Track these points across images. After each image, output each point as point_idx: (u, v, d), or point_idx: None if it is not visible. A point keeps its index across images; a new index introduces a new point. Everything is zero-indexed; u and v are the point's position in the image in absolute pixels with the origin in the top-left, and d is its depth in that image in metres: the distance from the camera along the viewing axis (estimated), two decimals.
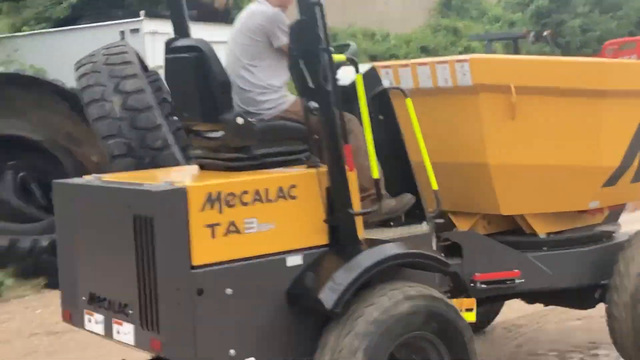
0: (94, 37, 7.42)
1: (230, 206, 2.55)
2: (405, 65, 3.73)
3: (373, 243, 2.91)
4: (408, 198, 3.35)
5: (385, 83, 3.38)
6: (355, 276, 2.65)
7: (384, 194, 3.25)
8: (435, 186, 3.34)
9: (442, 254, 3.27)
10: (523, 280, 3.51)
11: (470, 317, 3.17)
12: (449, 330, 2.78)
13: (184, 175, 3.09)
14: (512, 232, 3.74)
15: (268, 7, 3.14)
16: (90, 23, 7.97)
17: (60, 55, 7.34)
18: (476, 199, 3.65)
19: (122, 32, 7.48)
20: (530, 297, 3.99)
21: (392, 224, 3.30)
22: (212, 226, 2.50)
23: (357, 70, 2.98)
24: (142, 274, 2.48)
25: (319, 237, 2.80)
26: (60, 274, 3.07)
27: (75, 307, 2.97)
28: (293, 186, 2.73)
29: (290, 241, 2.73)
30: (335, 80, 2.79)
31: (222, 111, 2.93)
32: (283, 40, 3.05)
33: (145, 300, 2.47)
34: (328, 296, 2.58)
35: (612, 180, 3.59)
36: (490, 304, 4.05)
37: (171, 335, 2.43)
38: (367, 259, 2.75)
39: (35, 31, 7.76)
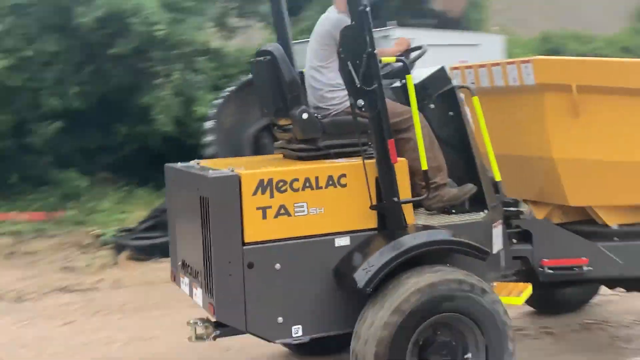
0: None
1: (281, 192, 2.92)
2: (483, 66, 3.95)
3: (421, 228, 3.17)
4: (469, 187, 3.57)
5: (455, 82, 3.62)
6: (387, 260, 2.90)
7: (447, 182, 3.53)
8: (498, 177, 3.60)
9: (497, 241, 3.46)
10: (591, 268, 3.67)
11: (516, 300, 3.34)
12: (477, 312, 2.96)
13: (255, 163, 3.51)
14: (586, 222, 3.85)
15: (334, 14, 3.49)
16: None
17: None
18: (548, 190, 3.82)
19: (384, 37, 8.51)
20: (608, 283, 4.16)
21: (453, 211, 3.51)
22: (263, 209, 2.89)
23: (407, 71, 3.22)
24: (205, 247, 2.94)
25: (368, 221, 3.09)
26: (170, 241, 3.72)
27: (176, 270, 3.60)
28: (343, 175, 3.04)
29: (339, 224, 3.04)
30: (380, 80, 3.02)
31: (290, 107, 3.33)
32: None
33: (207, 269, 2.94)
34: (361, 276, 2.87)
35: None
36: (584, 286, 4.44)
37: (223, 301, 2.86)
38: (402, 244, 2.99)
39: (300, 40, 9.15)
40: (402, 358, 2.85)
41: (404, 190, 3.13)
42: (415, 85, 3.40)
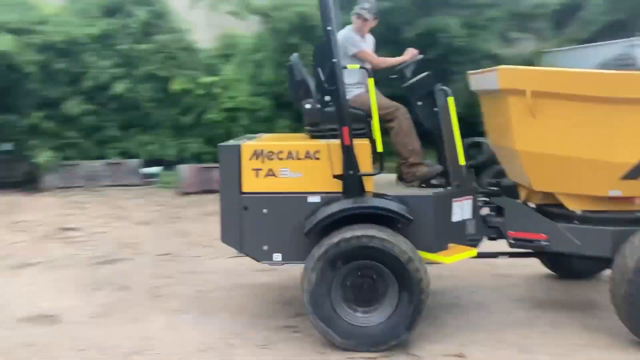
0: (607, 52, 9.91)
1: (270, 159, 4.16)
2: (479, 72, 4.77)
3: (371, 196, 4.17)
4: (437, 168, 4.50)
5: (438, 86, 4.46)
6: (323, 217, 4.00)
7: (421, 162, 4.53)
8: (462, 162, 4.42)
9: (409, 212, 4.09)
10: (549, 244, 4.39)
11: (444, 259, 4.17)
12: (389, 261, 3.90)
13: (271, 139, 4.84)
14: (557, 205, 4.47)
15: (346, 30, 4.74)
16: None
17: (579, 65, 9.75)
18: (522, 177, 4.55)
19: (631, 47, 9.68)
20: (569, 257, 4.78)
21: (423, 185, 4.49)
22: (256, 170, 4.16)
23: (370, 76, 4.29)
24: (221, 196, 4.28)
25: (336, 186, 4.17)
26: None
27: None
28: (318, 151, 4.17)
29: (312, 186, 4.16)
30: (341, 81, 4.08)
31: (301, 99, 4.59)
32: (352, 50, 4.66)
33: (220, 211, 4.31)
34: (307, 225, 4.06)
35: (632, 175, 4.08)
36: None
37: (226, 230, 4.25)
38: (340, 207, 4.05)
39: (562, 48, 11.37)
40: (328, 289, 3.94)
41: (365, 165, 4.15)
42: (407, 86, 4.57)
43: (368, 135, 4.40)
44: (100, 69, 11.18)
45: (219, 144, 4.42)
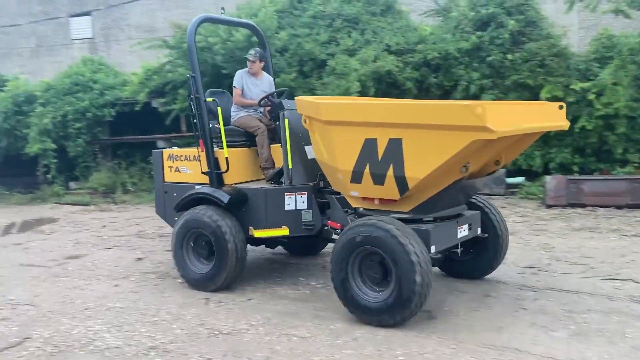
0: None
1: (176, 160, 6.34)
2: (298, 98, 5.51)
3: (231, 187, 5.89)
4: (277, 170, 5.93)
5: (285, 112, 5.70)
6: (181, 199, 6.06)
7: (271, 166, 6.08)
8: (290, 166, 5.67)
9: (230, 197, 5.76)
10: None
11: (258, 234, 5.73)
12: (211, 234, 5.67)
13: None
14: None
15: (241, 70, 6.46)
16: None
17: None
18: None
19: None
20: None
21: (271, 182, 5.99)
22: (170, 167, 6.40)
23: (218, 105, 6.06)
24: (155, 184, 6.64)
25: (206, 180, 6.06)
26: None
27: None
28: (197, 156, 6.11)
29: (197, 179, 6.09)
30: (204, 108, 5.92)
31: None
32: (236, 84, 6.37)
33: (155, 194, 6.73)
34: (176, 204, 6.14)
35: (355, 179, 4.88)
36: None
37: (157, 206, 6.61)
38: (192, 193, 6.00)
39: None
40: (184, 247, 5.93)
41: (223, 166, 5.92)
42: (268, 112, 6.36)
43: (248, 145, 6.30)
44: (470, 81, 11.63)
45: (153, 150, 6.74)
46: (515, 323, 4.73)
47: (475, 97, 11.70)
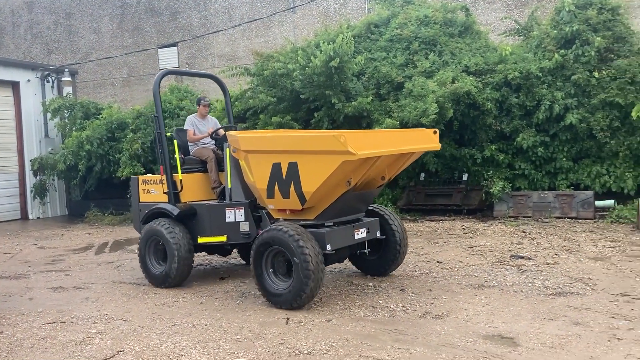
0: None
1: (148, 184, 7.79)
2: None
3: (184, 204, 7.32)
4: (222, 189, 7.33)
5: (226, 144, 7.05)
6: (145, 213, 7.54)
7: (219, 186, 7.53)
8: (229, 185, 7.03)
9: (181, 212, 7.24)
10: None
11: (201, 240, 7.20)
12: (164, 237, 7.11)
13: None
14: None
15: (191, 115, 8.29)
16: None
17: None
18: None
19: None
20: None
21: (219, 198, 7.43)
22: (144, 189, 7.84)
23: (172, 138, 7.85)
24: (132, 204, 8.31)
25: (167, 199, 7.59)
26: None
27: None
28: (162, 180, 7.50)
29: (162, 199, 7.54)
30: (165, 141, 7.33)
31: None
32: (188, 127, 8.13)
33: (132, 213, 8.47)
34: (141, 218, 7.67)
35: (270, 195, 6.12)
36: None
37: (135, 222, 8.16)
38: (153, 209, 7.45)
39: None
40: (147, 252, 7.37)
41: (178, 186, 7.49)
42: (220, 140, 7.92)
43: (203, 171, 7.80)
44: (553, 101, 11.26)
45: (132, 176, 8.61)
46: (608, 353, 4.48)
47: (559, 117, 11.30)
